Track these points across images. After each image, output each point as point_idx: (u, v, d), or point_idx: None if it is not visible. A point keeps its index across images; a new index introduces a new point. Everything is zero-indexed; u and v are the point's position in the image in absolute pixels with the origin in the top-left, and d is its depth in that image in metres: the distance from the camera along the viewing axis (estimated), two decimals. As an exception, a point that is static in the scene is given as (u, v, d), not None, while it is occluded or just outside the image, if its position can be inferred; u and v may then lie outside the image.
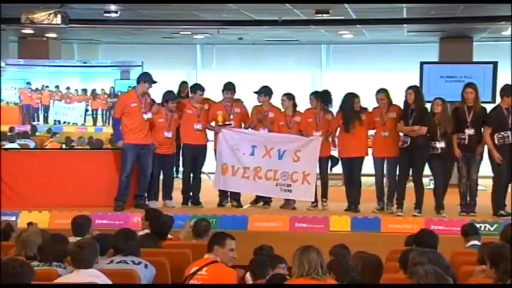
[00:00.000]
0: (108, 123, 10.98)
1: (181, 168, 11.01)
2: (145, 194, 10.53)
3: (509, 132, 9.69)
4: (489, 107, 10.16)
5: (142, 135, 10.20)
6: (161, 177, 10.72)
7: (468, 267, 5.91)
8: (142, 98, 10.19)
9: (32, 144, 11.02)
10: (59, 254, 5.58)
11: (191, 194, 10.68)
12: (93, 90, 10.87)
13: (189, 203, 10.63)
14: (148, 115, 10.18)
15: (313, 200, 10.34)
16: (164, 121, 10.34)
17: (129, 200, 10.54)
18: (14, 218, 9.55)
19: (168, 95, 10.45)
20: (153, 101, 10.42)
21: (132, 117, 10.16)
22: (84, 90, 10.82)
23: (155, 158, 10.39)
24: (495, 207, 9.87)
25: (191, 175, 10.65)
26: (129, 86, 10.84)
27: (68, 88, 10.85)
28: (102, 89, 10.88)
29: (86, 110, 10.79)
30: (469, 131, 9.85)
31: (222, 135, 10.34)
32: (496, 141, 9.68)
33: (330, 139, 10.37)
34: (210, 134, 10.75)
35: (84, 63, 11.47)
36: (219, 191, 10.70)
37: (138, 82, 10.21)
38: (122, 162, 10.29)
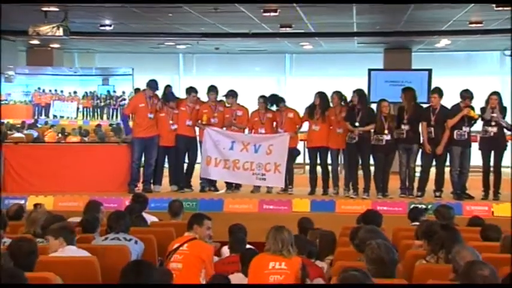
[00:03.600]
0: (95, 117, 11.19)
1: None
2: (151, 180, 10.60)
3: (466, 128, 9.77)
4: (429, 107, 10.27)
5: (147, 130, 10.37)
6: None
7: (408, 241, 5.98)
8: (150, 100, 10.34)
9: (35, 134, 11.14)
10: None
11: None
12: (86, 93, 11.01)
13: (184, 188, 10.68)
14: (151, 115, 10.34)
15: (283, 186, 10.40)
16: (166, 116, 10.43)
17: (125, 185, 10.59)
18: (23, 202, 9.43)
19: (169, 96, 10.62)
20: (158, 99, 10.54)
21: (140, 115, 10.39)
22: (75, 93, 11.02)
23: (160, 150, 10.49)
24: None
25: (184, 164, 10.72)
26: (108, 90, 11.08)
27: (62, 91, 11.03)
28: (91, 92, 11.03)
29: (78, 108, 11.00)
30: (405, 127, 9.96)
31: (207, 132, 10.38)
32: (455, 137, 9.75)
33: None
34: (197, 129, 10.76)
35: (75, 72, 11.61)
36: (201, 178, 10.68)
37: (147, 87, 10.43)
38: (132, 153, 10.49)
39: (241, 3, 8.29)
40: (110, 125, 10.91)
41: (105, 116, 10.90)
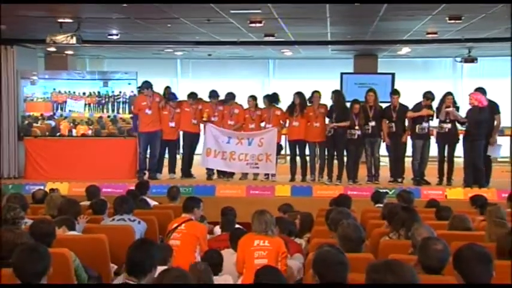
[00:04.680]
0: (97, 111, 11.46)
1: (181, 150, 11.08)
2: (156, 169, 10.65)
3: (426, 124, 9.84)
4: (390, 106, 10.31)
5: (150, 125, 10.47)
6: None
7: (374, 221, 6.03)
8: (150, 98, 10.43)
9: (52, 123, 11.48)
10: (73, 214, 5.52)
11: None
12: (90, 93, 11.45)
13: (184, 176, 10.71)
14: (149, 111, 10.44)
15: (275, 172, 10.39)
16: (168, 114, 10.50)
17: (132, 173, 10.64)
18: (42, 187, 9.40)
19: (171, 96, 10.70)
20: (161, 98, 10.59)
21: (143, 112, 10.51)
22: (84, 93, 11.52)
23: (162, 143, 10.54)
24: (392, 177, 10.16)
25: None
26: (107, 91, 11.34)
27: (74, 92, 11.52)
28: (93, 92, 11.44)
29: (85, 104, 11.48)
30: (371, 123, 10.02)
31: (208, 128, 10.42)
32: (417, 131, 9.82)
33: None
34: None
35: (83, 77, 11.76)
36: (207, 168, 10.68)
37: (145, 87, 10.53)
38: (138, 145, 10.64)
39: (225, 2, 8.11)
40: (108, 116, 11.42)
41: (105, 110, 11.44)
